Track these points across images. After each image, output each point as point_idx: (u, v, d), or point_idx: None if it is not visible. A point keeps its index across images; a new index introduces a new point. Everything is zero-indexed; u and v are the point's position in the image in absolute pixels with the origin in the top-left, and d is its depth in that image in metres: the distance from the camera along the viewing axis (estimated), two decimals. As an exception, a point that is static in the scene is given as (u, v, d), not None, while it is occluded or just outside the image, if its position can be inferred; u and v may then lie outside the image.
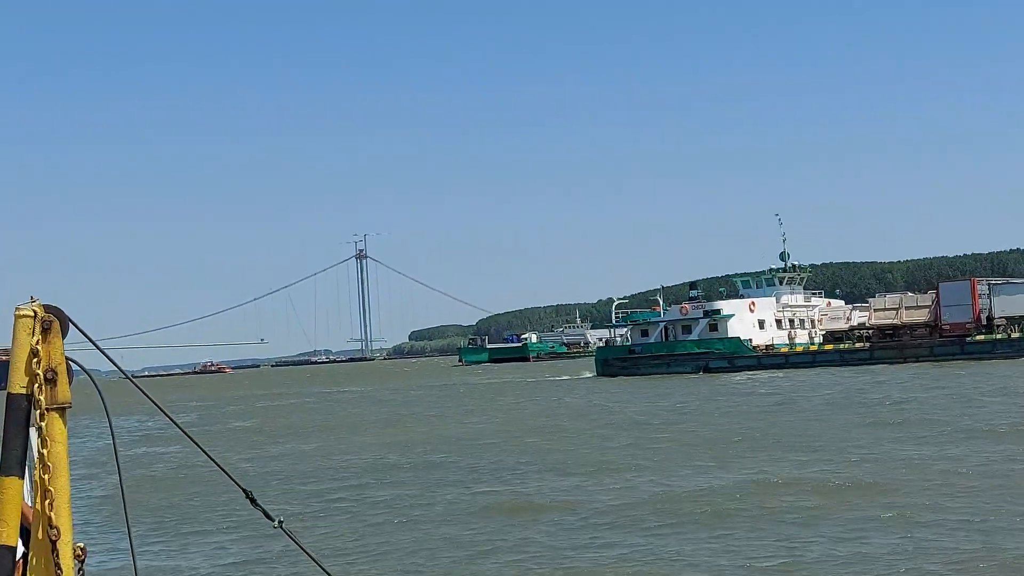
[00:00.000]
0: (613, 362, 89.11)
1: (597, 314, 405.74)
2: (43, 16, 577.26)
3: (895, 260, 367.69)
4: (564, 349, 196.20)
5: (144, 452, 40.84)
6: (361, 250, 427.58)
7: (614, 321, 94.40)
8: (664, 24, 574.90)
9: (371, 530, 20.93)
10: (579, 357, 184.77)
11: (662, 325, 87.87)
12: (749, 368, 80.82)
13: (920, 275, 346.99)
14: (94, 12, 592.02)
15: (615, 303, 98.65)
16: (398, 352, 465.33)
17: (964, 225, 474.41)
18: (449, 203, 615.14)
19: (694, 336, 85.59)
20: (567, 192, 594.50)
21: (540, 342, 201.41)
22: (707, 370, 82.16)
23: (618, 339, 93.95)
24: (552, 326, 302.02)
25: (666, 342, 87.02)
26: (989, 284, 78.87)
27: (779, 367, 79.73)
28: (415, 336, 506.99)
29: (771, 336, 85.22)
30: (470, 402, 63.39)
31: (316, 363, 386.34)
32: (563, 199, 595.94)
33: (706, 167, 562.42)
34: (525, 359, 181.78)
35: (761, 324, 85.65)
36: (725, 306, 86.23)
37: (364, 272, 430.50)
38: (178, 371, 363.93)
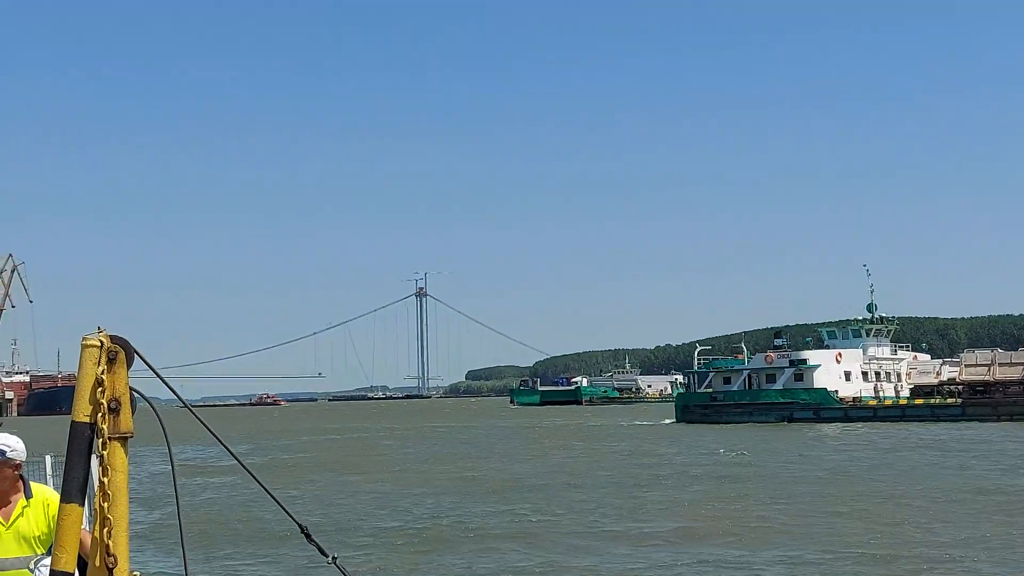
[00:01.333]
0: (695, 408, 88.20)
1: (654, 359, 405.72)
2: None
3: (957, 316, 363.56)
4: (616, 394, 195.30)
5: (199, 482, 40.97)
6: (421, 287, 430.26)
7: (696, 367, 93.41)
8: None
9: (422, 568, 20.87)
10: (632, 403, 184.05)
11: (746, 373, 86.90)
12: (835, 420, 79.63)
13: (983, 332, 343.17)
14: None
15: (698, 349, 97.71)
16: (454, 391, 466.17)
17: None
18: (512, 242, 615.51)
19: (778, 385, 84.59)
20: (634, 232, 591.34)
21: (591, 386, 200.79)
22: (791, 420, 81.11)
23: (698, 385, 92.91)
24: (601, 370, 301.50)
25: (749, 390, 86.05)
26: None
27: (866, 420, 78.41)
28: (472, 376, 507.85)
29: (857, 388, 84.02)
30: (582, 448, 62.80)
31: (372, 399, 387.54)
32: (630, 240, 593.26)
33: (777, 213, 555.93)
34: (577, 402, 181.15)
35: (847, 376, 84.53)
36: (811, 356, 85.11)
37: (423, 309, 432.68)
38: (233, 402, 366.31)
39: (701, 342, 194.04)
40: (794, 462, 44.14)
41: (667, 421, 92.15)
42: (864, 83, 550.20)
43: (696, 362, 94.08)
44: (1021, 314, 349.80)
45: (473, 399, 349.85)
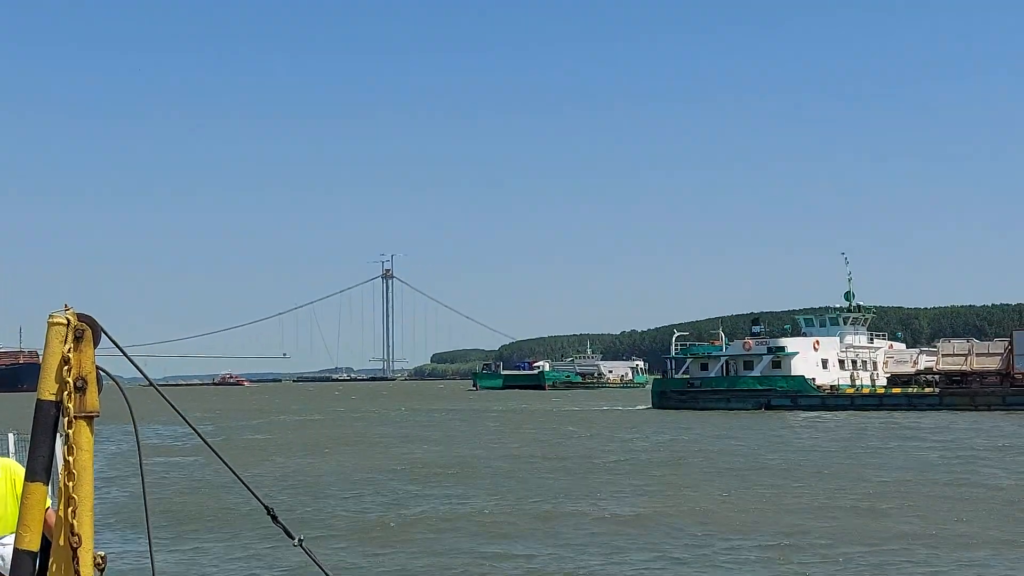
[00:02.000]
0: (671, 394, 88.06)
1: (620, 345, 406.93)
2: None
3: (920, 307, 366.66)
4: (579, 379, 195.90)
5: (163, 462, 40.81)
6: (388, 269, 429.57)
7: (673, 352, 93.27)
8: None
9: (389, 550, 21.06)
10: (594, 388, 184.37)
11: (724, 359, 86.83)
12: (813, 408, 79.75)
13: (946, 322, 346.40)
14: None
15: (676, 334, 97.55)
16: (419, 374, 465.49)
17: (989, 276, 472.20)
18: (478, 225, 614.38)
19: (756, 372, 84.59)
20: (605, 216, 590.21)
21: (554, 371, 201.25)
22: (769, 407, 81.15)
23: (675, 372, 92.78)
24: (563, 355, 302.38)
25: (727, 376, 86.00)
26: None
27: (844, 408, 78.57)
28: (437, 359, 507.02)
29: (835, 376, 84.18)
30: (573, 437, 62.41)
31: (337, 380, 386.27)
32: (601, 224, 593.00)
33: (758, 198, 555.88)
34: (540, 387, 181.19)
35: (825, 364, 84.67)
36: (790, 343, 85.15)
37: (389, 292, 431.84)
38: (196, 381, 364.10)
39: (675, 327, 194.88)
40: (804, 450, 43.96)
41: (641, 407, 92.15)
42: (840, 74, 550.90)
43: (673, 348, 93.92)
44: (984, 305, 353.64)
45: (439, 382, 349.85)
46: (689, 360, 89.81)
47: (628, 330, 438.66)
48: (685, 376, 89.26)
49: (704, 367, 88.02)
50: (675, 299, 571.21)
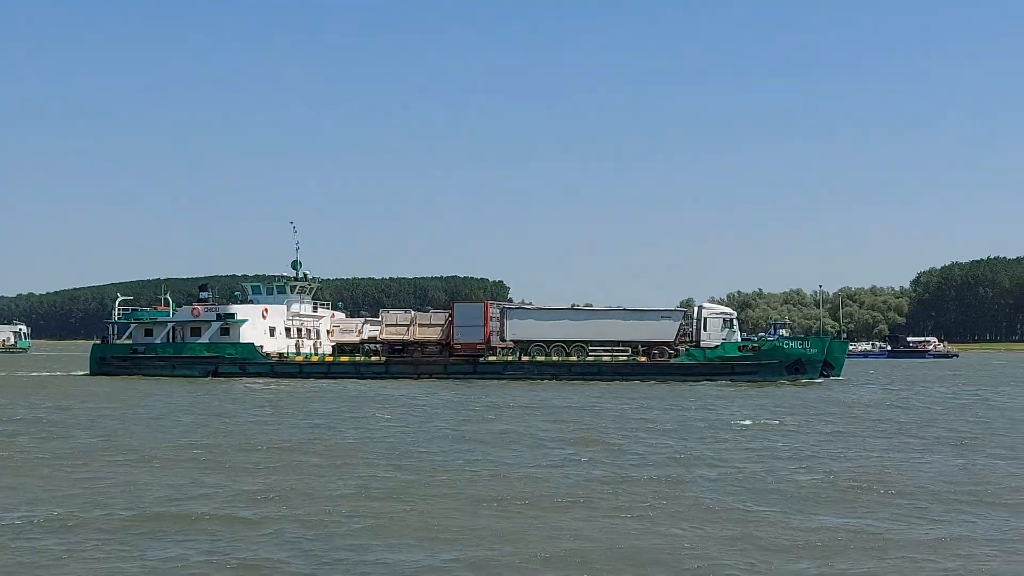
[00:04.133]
0: (112, 361, 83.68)
1: (15, 309, 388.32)
2: None
3: (364, 277, 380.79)
4: None
5: None
6: None
7: (116, 318, 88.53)
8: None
9: None
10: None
11: (170, 326, 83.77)
12: (261, 375, 79.35)
13: (392, 294, 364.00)
14: None
15: (119, 299, 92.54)
16: None
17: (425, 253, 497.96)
18: None
19: (205, 339, 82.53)
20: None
21: None
22: (216, 375, 79.58)
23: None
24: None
25: (173, 343, 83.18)
26: (501, 308, 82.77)
27: (293, 376, 78.73)
28: None
29: (282, 344, 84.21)
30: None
31: None
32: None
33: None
34: None
35: (272, 332, 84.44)
36: (239, 311, 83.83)
37: None
38: None
39: (116, 289, 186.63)
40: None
41: (80, 372, 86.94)
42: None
43: (116, 312, 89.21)
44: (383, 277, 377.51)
45: None
46: (133, 325, 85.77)
47: (25, 292, 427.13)
48: (128, 342, 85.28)
49: (149, 333, 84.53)
50: (112, 260, 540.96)
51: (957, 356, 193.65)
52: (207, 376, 79.05)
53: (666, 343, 78.03)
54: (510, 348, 78.79)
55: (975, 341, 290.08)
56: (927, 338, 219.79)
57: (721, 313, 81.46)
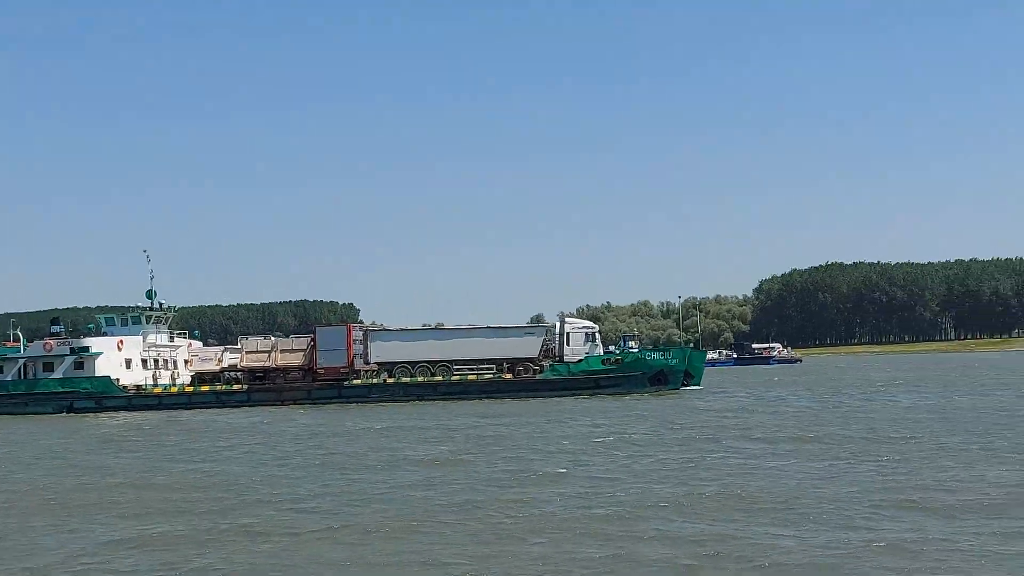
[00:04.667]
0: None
1: None
2: None
3: (223, 304, 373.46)
4: None
5: None
6: None
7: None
8: None
9: None
10: None
11: (22, 362, 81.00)
12: (118, 409, 77.32)
13: (241, 321, 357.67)
14: None
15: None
16: None
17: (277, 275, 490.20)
18: None
19: (58, 374, 79.98)
20: None
21: None
22: (72, 410, 77.31)
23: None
24: None
25: (25, 379, 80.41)
26: (364, 330, 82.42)
27: (152, 408, 76.99)
28: None
29: (139, 376, 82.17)
30: None
31: None
32: None
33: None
34: None
35: (128, 364, 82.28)
36: (93, 343, 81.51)
37: None
38: None
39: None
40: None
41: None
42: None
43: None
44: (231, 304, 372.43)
45: None
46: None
47: None
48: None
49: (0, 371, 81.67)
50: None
51: (800, 361, 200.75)
52: (62, 412, 76.72)
53: (530, 359, 79.08)
54: (374, 371, 78.66)
55: (816, 345, 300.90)
56: (771, 344, 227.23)
57: (584, 327, 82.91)
